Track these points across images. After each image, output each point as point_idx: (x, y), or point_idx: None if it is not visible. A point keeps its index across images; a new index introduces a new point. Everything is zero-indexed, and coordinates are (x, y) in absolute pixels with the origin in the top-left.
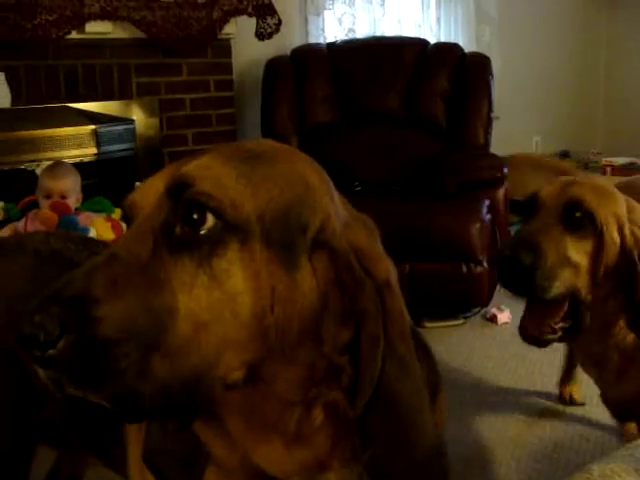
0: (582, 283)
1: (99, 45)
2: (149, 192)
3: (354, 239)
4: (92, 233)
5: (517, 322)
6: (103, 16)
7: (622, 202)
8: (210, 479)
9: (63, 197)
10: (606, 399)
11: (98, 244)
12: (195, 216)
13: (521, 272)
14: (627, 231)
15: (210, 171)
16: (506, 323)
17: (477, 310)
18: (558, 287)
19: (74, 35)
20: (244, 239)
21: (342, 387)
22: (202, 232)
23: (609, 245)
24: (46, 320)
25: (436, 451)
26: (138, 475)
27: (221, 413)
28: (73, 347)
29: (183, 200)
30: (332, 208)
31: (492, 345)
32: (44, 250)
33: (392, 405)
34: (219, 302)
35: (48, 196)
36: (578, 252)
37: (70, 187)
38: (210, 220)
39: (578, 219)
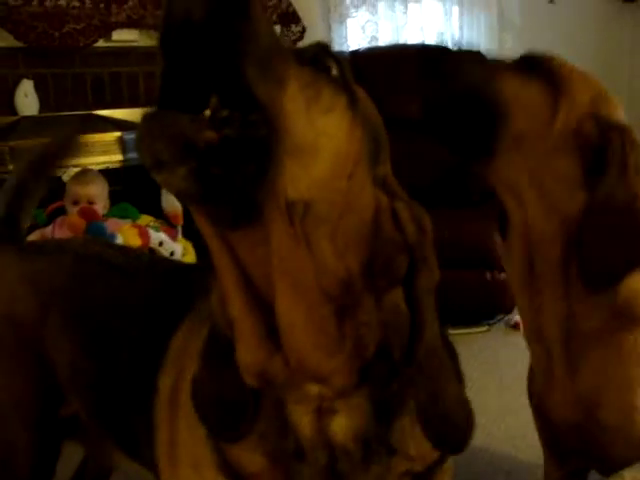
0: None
1: (125, 53)
2: None
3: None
4: (119, 239)
5: None
6: (129, 24)
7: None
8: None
9: (90, 203)
10: (543, 407)
11: (134, 251)
12: (327, 62)
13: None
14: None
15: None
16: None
17: (501, 317)
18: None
19: (101, 43)
20: (351, 104)
21: (399, 329)
22: (326, 72)
23: (572, 105)
24: None
25: (462, 393)
26: (167, 462)
27: (271, 250)
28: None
29: (325, 50)
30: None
31: (516, 352)
32: (82, 252)
33: (432, 351)
34: (312, 122)
35: (76, 202)
36: (513, 84)
37: (97, 193)
38: (334, 71)
39: (529, 63)
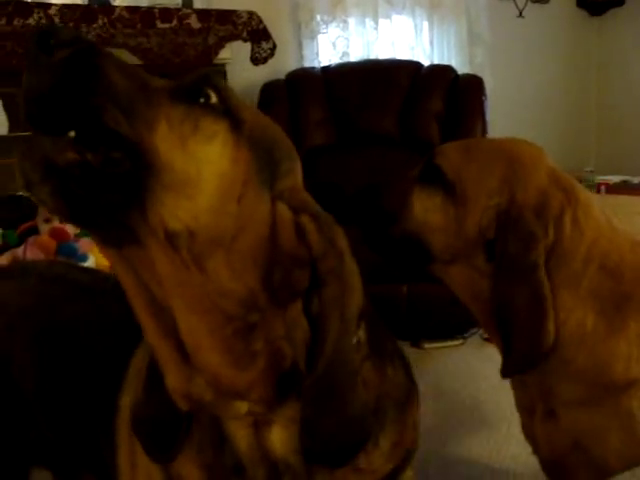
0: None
1: None
2: None
3: (321, 210)
4: (91, 260)
5: None
6: (99, 43)
7: (521, 171)
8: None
9: (61, 221)
10: (527, 437)
11: (100, 272)
12: (206, 94)
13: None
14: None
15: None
16: None
17: (475, 330)
18: (393, 230)
19: None
20: (234, 128)
21: (296, 342)
22: (204, 102)
23: (468, 209)
24: (66, 29)
25: (362, 412)
26: None
27: (158, 274)
28: (69, 59)
29: (202, 80)
30: (304, 191)
31: (490, 365)
32: (47, 274)
33: (335, 366)
34: (190, 154)
35: (47, 220)
36: (422, 203)
37: None
38: (214, 98)
39: (430, 172)
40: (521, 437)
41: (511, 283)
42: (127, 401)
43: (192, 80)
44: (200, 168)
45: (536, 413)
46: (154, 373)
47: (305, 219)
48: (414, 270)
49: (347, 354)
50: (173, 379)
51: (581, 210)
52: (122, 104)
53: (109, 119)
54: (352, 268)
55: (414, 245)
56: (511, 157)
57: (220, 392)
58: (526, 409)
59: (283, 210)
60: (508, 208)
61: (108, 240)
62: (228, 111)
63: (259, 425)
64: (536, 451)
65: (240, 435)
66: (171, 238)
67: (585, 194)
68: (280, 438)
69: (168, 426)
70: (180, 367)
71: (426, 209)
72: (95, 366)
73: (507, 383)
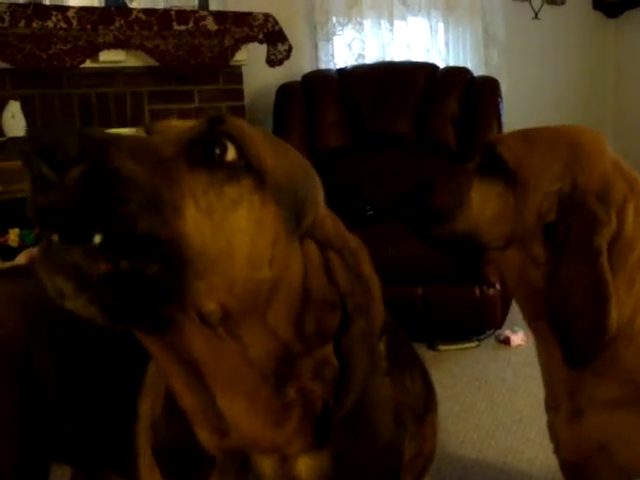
0: (487, 229)
1: (112, 73)
2: (175, 124)
3: (347, 241)
4: None
5: (531, 344)
6: (116, 45)
7: (584, 163)
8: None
9: None
10: (552, 438)
11: None
12: (223, 145)
13: (412, 212)
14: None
15: (243, 124)
16: (520, 345)
17: (491, 332)
18: (447, 228)
19: (88, 64)
20: (259, 184)
21: (325, 380)
22: (223, 161)
23: (529, 196)
24: (67, 137)
25: (393, 443)
26: None
27: (188, 336)
28: (84, 176)
29: (215, 130)
30: (328, 216)
31: (506, 367)
32: None
33: (365, 399)
34: (219, 227)
35: None
36: (482, 195)
37: None
38: (231, 153)
39: (490, 162)
40: (537, 440)
41: (573, 267)
42: (146, 407)
43: (205, 131)
44: (230, 240)
45: (560, 411)
46: (173, 399)
47: (332, 255)
48: (468, 260)
49: (376, 386)
50: (207, 436)
51: None
52: (147, 200)
53: (140, 224)
54: (376, 295)
55: (465, 241)
56: (574, 143)
57: (260, 449)
58: (551, 406)
59: (311, 251)
60: (571, 192)
61: (143, 330)
62: (249, 165)
63: (287, 457)
64: (557, 451)
65: (266, 464)
66: (205, 318)
67: None
68: (307, 467)
69: (190, 455)
70: (215, 428)
71: (485, 201)
72: (113, 367)
73: (522, 385)
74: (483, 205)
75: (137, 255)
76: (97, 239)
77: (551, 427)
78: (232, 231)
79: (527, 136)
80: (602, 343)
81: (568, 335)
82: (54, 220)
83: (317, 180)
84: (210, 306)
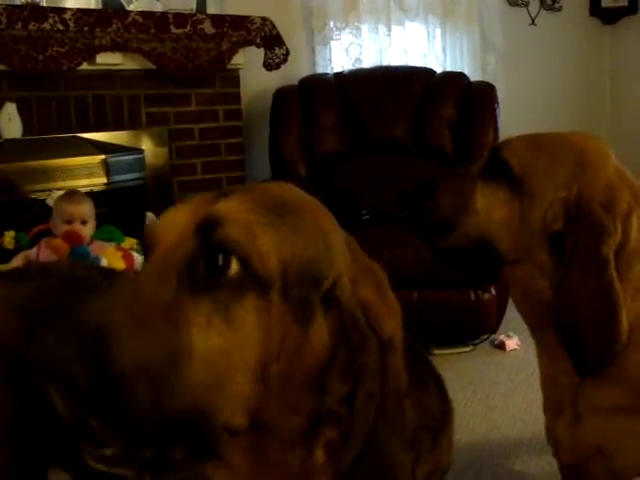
0: (497, 235)
1: (109, 76)
2: (172, 225)
3: (363, 295)
4: (103, 262)
5: (526, 348)
6: (113, 48)
7: (590, 169)
8: None
9: (83, 222)
10: (550, 440)
11: (119, 275)
12: (221, 261)
13: (415, 216)
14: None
15: (240, 215)
16: (514, 349)
17: (485, 337)
18: (455, 236)
19: (85, 66)
20: (264, 291)
21: (340, 431)
22: (225, 276)
23: (534, 203)
24: (70, 364)
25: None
26: None
27: (226, 453)
28: (90, 383)
29: (212, 242)
30: (344, 264)
31: (501, 372)
32: (68, 276)
33: (378, 459)
34: (231, 346)
35: (69, 221)
36: (487, 199)
37: (90, 212)
38: (234, 267)
39: (494, 166)
40: (531, 443)
41: (581, 277)
42: None
43: (202, 247)
44: (243, 357)
45: (563, 415)
46: None
47: (345, 315)
48: (486, 276)
49: (391, 449)
50: None
51: None
52: (158, 383)
53: (158, 414)
54: (394, 365)
55: (480, 248)
56: (580, 151)
57: None
58: (553, 411)
59: (336, 314)
60: (577, 202)
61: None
62: (253, 276)
63: None
64: (557, 454)
65: None
66: (235, 432)
67: None
68: None
69: None
70: None
71: (490, 206)
72: None
73: (517, 389)
74: (488, 210)
75: (175, 428)
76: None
77: (550, 430)
78: (241, 345)
79: (533, 142)
80: (615, 352)
81: (578, 345)
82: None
83: (332, 237)
84: (237, 421)
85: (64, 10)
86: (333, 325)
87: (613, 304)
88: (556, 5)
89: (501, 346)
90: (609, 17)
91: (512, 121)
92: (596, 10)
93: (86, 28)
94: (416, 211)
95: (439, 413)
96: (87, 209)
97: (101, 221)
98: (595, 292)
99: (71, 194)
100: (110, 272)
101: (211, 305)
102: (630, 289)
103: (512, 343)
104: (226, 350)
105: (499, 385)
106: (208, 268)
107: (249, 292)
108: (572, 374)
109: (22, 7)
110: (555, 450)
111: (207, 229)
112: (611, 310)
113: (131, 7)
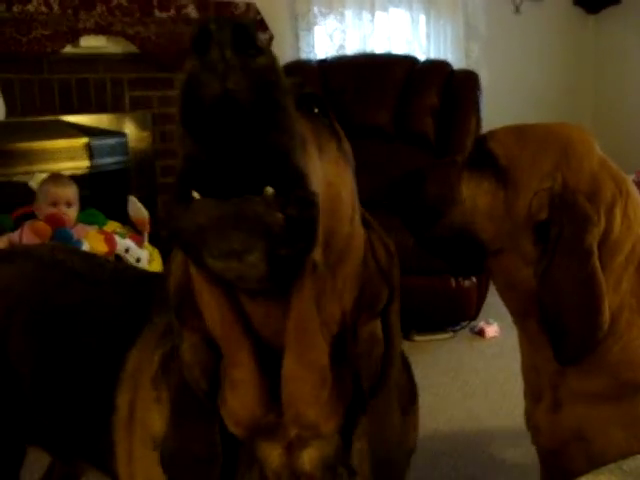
0: (481, 224)
1: (93, 59)
2: None
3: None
4: (85, 246)
5: (505, 336)
6: (97, 31)
7: (575, 159)
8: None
9: (68, 205)
10: (529, 425)
11: (99, 259)
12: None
13: (401, 205)
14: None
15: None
16: (494, 337)
17: (465, 324)
18: (441, 225)
19: (68, 49)
20: (340, 145)
21: (373, 357)
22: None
23: (519, 193)
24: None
25: (402, 437)
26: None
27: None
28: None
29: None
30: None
31: (480, 359)
32: (48, 259)
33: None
34: (323, 170)
35: (54, 204)
36: (472, 189)
37: (75, 195)
38: (316, 109)
39: (480, 157)
40: (509, 430)
41: (565, 266)
42: (125, 399)
43: (295, 90)
44: (328, 189)
45: (543, 401)
46: (185, 407)
47: (374, 236)
48: (470, 266)
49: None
50: (246, 412)
51: (631, 204)
52: (295, 130)
53: (298, 162)
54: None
55: (464, 238)
56: (565, 142)
57: (294, 424)
58: (533, 396)
59: (364, 229)
60: (562, 192)
61: (265, 294)
62: (333, 127)
63: (293, 446)
64: (536, 439)
65: (273, 455)
66: (315, 271)
67: (634, 188)
68: (312, 456)
69: (204, 461)
70: (262, 401)
71: (475, 196)
72: (89, 358)
73: (496, 376)
74: (473, 200)
75: (297, 199)
76: (269, 190)
77: (530, 416)
78: (328, 182)
79: (519, 133)
80: (596, 340)
81: (560, 334)
82: (227, 117)
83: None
84: (318, 256)
85: None
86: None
87: (596, 294)
88: None
89: (481, 333)
90: (593, 6)
91: (495, 109)
92: None
93: (70, 11)
94: (402, 200)
95: (407, 392)
96: (72, 192)
97: (84, 204)
98: (578, 281)
99: (56, 177)
100: (92, 256)
101: (311, 125)
102: (612, 279)
103: (492, 330)
104: (321, 172)
105: (478, 372)
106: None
107: (333, 136)
108: (553, 361)
109: None
110: (534, 435)
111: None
112: (593, 300)
113: None
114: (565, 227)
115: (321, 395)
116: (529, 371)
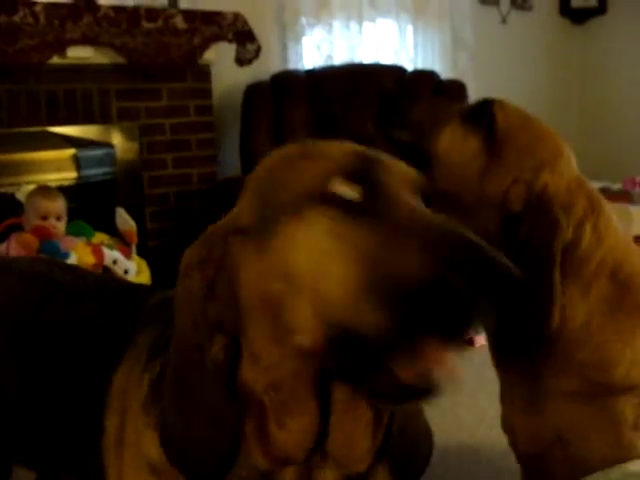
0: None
1: (80, 70)
2: None
3: None
4: (73, 257)
5: None
6: (84, 41)
7: (556, 154)
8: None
9: (58, 218)
10: (506, 429)
11: (80, 270)
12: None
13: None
14: (541, 179)
15: None
16: (483, 345)
17: None
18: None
19: (55, 60)
20: None
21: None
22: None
23: (499, 170)
24: None
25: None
26: None
27: None
28: None
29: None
30: None
31: (470, 367)
32: (28, 272)
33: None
34: None
35: (45, 217)
36: (456, 138)
37: (64, 208)
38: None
39: (479, 115)
40: (499, 440)
41: (530, 265)
42: (113, 422)
43: None
44: None
45: (517, 402)
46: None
47: None
48: None
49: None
50: (298, 450)
51: (603, 220)
52: None
53: None
54: None
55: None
56: (558, 148)
57: (339, 467)
58: (508, 400)
59: None
60: (541, 194)
61: None
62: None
63: (311, 468)
64: (513, 444)
65: (290, 475)
66: None
67: (607, 206)
68: (330, 477)
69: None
70: (310, 444)
71: (457, 145)
72: (73, 377)
73: (485, 385)
74: (452, 148)
75: None
76: None
77: (506, 419)
78: None
79: (526, 117)
80: (539, 340)
81: (507, 327)
82: None
83: None
84: None
85: (34, 3)
86: None
87: (551, 298)
88: (526, 4)
89: (470, 342)
90: (579, 17)
91: None
92: (566, 10)
93: (57, 21)
94: (388, 121)
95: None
96: (62, 205)
97: (71, 216)
98: (537, 283)
99: (46, 190)
100: (73, 268)
101: None
102: (580, 287)
103: (481, 339)
104: None
105: (467, 381)
106: None
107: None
108: (526, 365)
109: None
110: (511, 439)
111: None
112: (548, 303)
113: (102, 1)
114: (536, 229)
115: (366, 444)
116: (504, 375)
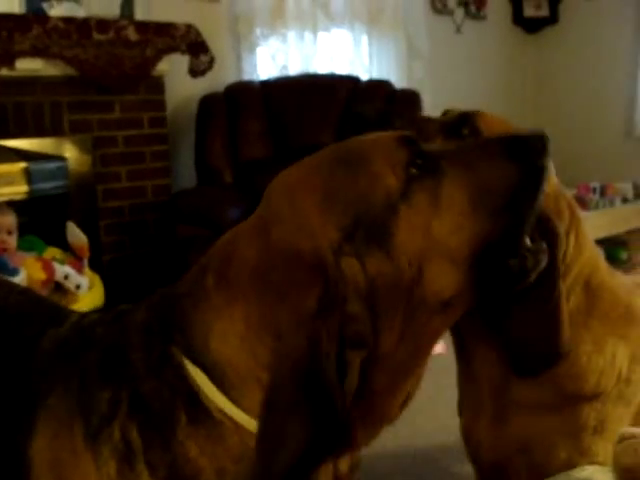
0: None
1: (30, 82)
2: None
3: None
4: (22, 273)
5: (452, 352)
6: (34, 53)
7: None
8: None
9: (9, 233)
10: (467, 439)
11: (8, 287)
12: None
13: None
14: None
15: None
16: (440, 354)
17: None
18: None
19: (4, 72)
20: None
21: None
22: None
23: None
24: None
25: None
26: None
27: None
28: None
29: None
30: None
31: (427, 376)
32: None
33: None
34: None
35: (10, 232)
36: None
37: (15, 223)
38: None
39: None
40: (456, 447)
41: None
42: (42, 458)
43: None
44: None
45: (483, 414)
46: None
47: None
48: None
49: None
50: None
51: (581, 230)
52: None
53: None
54: None
55: None
56: None
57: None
58: (472, 410)
59: None
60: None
61: None
62: None
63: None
64: (475, 454)
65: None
66: None
67: (582, 215)
68: (346, 462)
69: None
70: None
71: None
72: None
73: (443, 393)
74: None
75: None
76: None
77: (469, 430)
78: None
79: (505, 122)
80: (558, 357)
81: (522, 348)
82: None
83: None
84: None
85: None
86: None
87: (559, 318)
88: (480, 14)
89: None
90: (531, 26)
91: None
92: (519, 19)
93: (4, 33)
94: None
95: None
96: (13, 220)
97: (23, 231)
98: (545, 299)
99: None
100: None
101: None
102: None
103: (438, 347)
104: None
105: (425, 389)
106: None
107: None
108: (497, 374)
109: None
110: (474, 451)
111: None
112: (556, 319)
113: (52, 12)
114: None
115: None
116: (468, 383)
